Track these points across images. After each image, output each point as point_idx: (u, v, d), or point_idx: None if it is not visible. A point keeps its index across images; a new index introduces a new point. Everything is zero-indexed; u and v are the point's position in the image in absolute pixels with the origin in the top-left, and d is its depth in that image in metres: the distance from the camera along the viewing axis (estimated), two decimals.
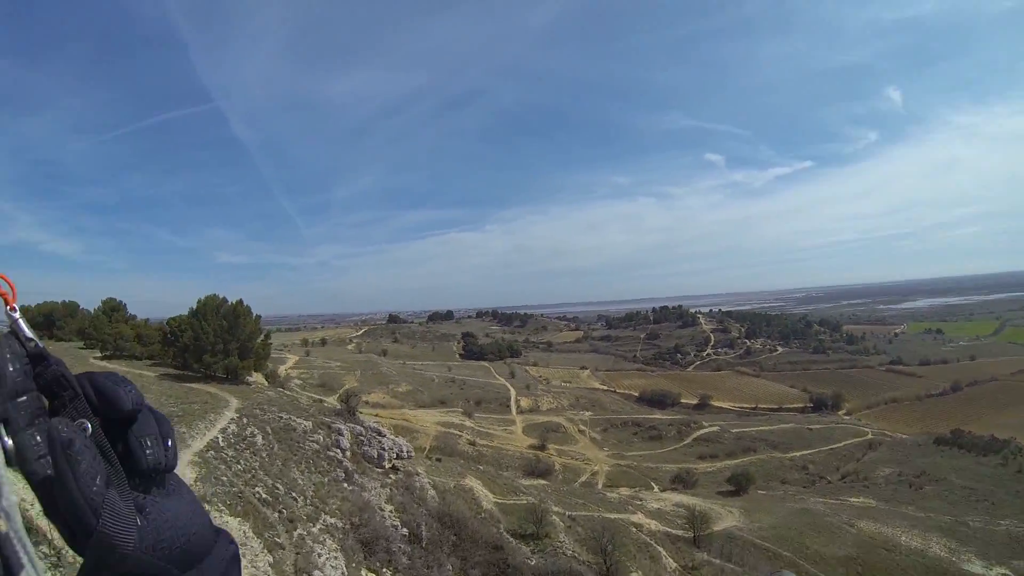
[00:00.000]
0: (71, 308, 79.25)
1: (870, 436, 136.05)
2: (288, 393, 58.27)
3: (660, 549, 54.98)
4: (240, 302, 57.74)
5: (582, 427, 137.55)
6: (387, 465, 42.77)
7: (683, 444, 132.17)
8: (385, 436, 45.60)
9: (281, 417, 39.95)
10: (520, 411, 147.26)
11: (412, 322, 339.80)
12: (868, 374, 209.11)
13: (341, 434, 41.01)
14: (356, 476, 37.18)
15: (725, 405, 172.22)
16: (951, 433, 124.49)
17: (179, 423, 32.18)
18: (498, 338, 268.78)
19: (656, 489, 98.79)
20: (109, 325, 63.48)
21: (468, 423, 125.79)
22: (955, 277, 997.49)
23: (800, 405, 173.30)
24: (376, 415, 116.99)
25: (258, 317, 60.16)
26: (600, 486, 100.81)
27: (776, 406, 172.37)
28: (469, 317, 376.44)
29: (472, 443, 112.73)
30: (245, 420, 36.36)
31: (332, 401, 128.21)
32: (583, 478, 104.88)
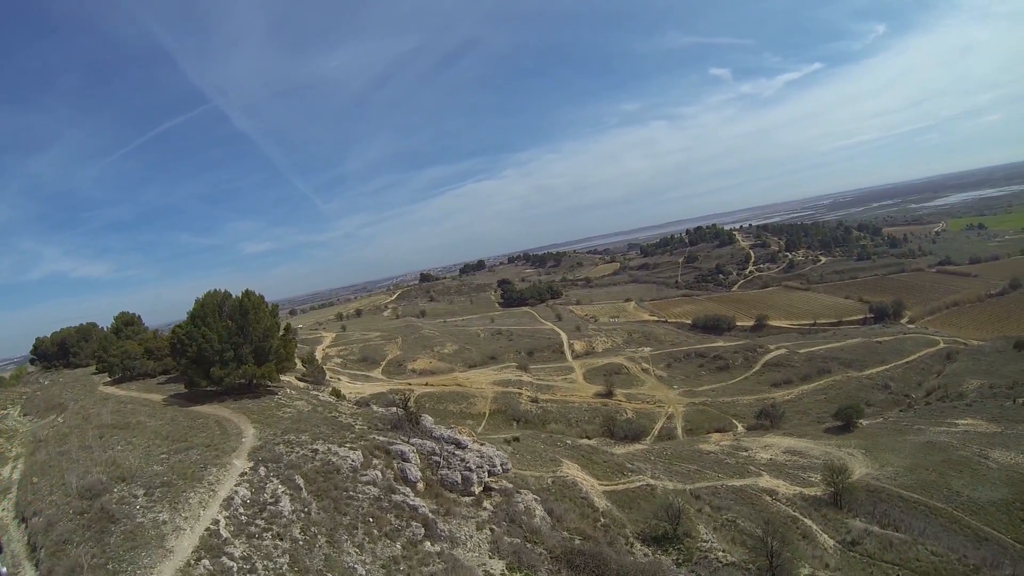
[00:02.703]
0: (85, 332, 71.94)
1: (942, 344, 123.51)
2: (324, 400, 45.16)
3: (809, 523, 45.27)
4: (248, 294, 44.45)
5: (645, 365, 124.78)
6: (477, 490, 29.78)
7: (753, 372, 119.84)
8: (467, 447, 32.41)
9: (316, 451, 27.11)
10: (576, 355, 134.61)
11: (445, 278, 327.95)
12: (919, 277, 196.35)
13: (406, 459, 28.30)
14: (440, 525, 24.20)
15: (783, 324, 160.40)
16: None
17: (163, 499, 20.06)
18: (535, 281, 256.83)
19: (740, 428, 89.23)
20: (117, 344, 57.08)
21: (525, 377, 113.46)
22: (985, 168, 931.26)
23: (860, 317, 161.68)
24: (427, 384, 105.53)
25: (274, 307, 47.15)
26: (679, 430, 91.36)
27: (836, 320, 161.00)
28: (501, 264, 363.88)
29: (534, 400, 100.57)
30: (264, 470, 23.74)
31: (378, 375, 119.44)
32: (659, 423, 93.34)
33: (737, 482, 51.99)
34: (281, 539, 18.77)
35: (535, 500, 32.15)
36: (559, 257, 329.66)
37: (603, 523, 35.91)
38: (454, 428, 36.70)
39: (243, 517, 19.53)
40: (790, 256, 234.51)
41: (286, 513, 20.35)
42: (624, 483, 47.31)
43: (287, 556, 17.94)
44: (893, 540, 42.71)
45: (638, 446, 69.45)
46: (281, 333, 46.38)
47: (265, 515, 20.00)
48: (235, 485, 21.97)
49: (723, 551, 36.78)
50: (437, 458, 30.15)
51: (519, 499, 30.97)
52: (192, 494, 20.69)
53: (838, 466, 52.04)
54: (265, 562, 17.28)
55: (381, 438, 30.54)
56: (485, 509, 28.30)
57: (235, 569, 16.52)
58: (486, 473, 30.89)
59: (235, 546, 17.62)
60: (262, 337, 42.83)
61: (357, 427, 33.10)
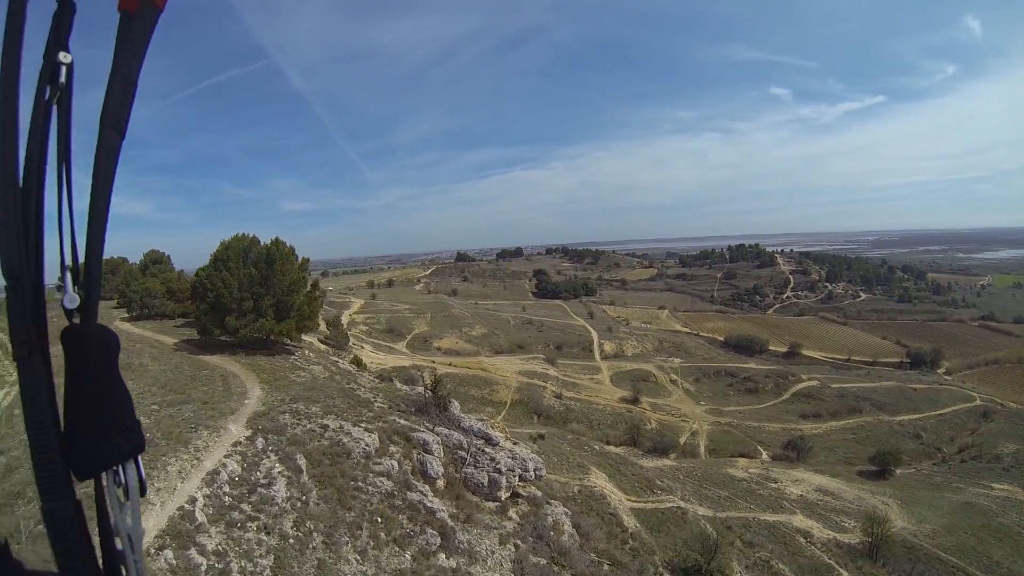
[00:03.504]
0: (113, 265, 68.18)
1: (978, 401, 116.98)
2: (343, 368, 41.31)
3: (845, 574, 41.07)
4: (277, 242, 40.70)
5: (673, 376, 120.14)
6: (504, 496, 25.75)
7: (782, 399, 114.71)
8: (498, 445, 28.34)
9: (326, 428, 23.18)
10: (604, 356, 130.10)
11: (481, 260, 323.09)
12: (960, 328, 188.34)
13: (428, 449, 24.31)
14: (459, 535, 20.26)
15: (816, 355, 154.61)
16: None
17: (147, 453, 15.57)
18: (571, 275, 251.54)
19: (765, 455, 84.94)
20: (140, 280, 54.32)
21: (551, 371, 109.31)
22: None
23: (896, 360, 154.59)
24: (450, 364, 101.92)
25: (305, 260, 43.33)
26: (703, 448, 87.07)
27: (871, 359, 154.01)
28: (539, 254, 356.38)
29: (558, 396, 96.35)
30: (262, 442, 20.09)
31: (402, 348, 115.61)
32: (683, 438, 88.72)
33: (770, 517, 48.05)
34: (268, 533, 14.99)
35: (565, 514, 28.00)
36: (597, 255, 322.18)
37: (632, 546, 31.80)
38: (486, 420, 32.46)
39: (227, 499, 15.81)
40: (830, 287, 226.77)
41: (279, 500, 16.59)
42: (653, 502, 43.39)
43: (271, 557, 14.14)
44: None
45: (666, 461, 65.28)
46: (308, 290, 42.66)
47: (254, 499, 16.26)
48: (225, 456, 18.29)
49: None
50: (464, 453, 26.20)
51: (548, 511, 26.88)
52: (173, 459, 17.04)
53: (879, 516, 47.94)
54: (243, 562, 13.52)
55: (402, 422, 26.61)
56: (511, 519, 24.34)
57: (203, 568, 12.77)
58: (516, 477, 26.88)
59: (210, 536, 13.90)
60: (286, 291, 39.19)
61: (376, 405, 29.21)
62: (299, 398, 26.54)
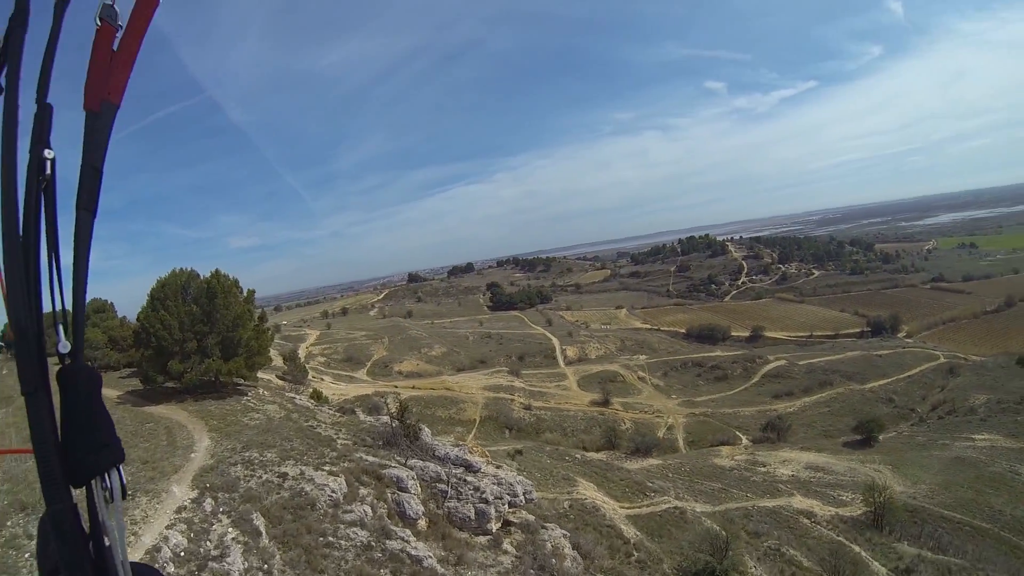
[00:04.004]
0: (52, 319, 61.86)
1: (942, 359, 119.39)
2: (301, 404, 38.37)
3: (857, 549, 40.12)
4: (218, 274, 37.63)
5: (641, 374, 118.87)
6: (495, 527, 23.36)
7: (752, 383, 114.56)
8: (479, 470, 26.01)
9: (285, 476, 20.66)
10: (568, 362, 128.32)
11: (433, 279, 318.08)
12: (913, 293, 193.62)
13: (403, 487, 22.07)
14: None
15: (779, 335, 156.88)
16: None
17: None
18: (524, 285, 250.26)
19: (745, 440, 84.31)
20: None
21: (517, 383, 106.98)
22: (971, 191, 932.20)
23: (857, 330, 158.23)
24: (414, 387, 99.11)
25: (251, 292, 40.34)
26: (681, 442, 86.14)
27: (832, 333, 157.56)
28: (490, 267, 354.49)
29: (528, 407, 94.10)
30: (211, 503, 17.56)
31: (362, 376, 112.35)
32: (660, 434, 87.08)
33: (769, 503, 46.80)
34: None
35: (564, 536, 25.63)
36: (548, 262, 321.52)
37: (637, 557, 29.55)
38: (463, 445, 30.28)
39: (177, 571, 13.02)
40: (783, 268, 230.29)
41: (236, 574, 13.83)
42: (648, 505, 41.40)
43: None
44: (952, 567, 38.28)
45: (652, 461, 63.57)
46: (255, 323, 39.55)
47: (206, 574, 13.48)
48: (167, 526, 15.51)
49: None
50: (444, 486, 23.86)
51: (546, 536, 24.52)
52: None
53: (878, 485, 47.51)
54: None
55: (370, 458, 24.11)
56: (506, 552, 21.94)
57: None
58: (505, 504, 24.55)
59: None
60: (231, 326, 36.07)
61: (339, 442, 26.53)
62: (252, 444, 23.75)
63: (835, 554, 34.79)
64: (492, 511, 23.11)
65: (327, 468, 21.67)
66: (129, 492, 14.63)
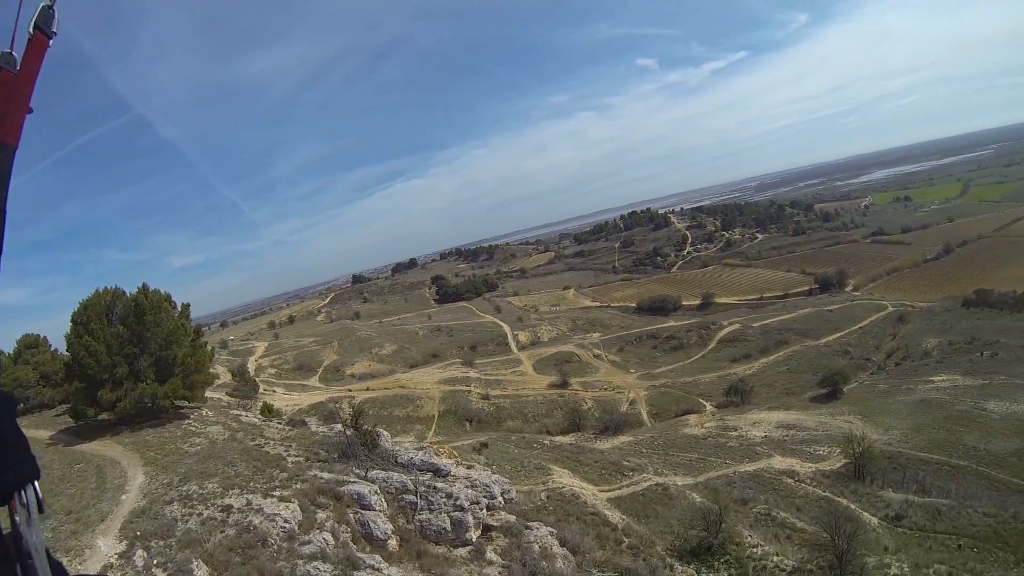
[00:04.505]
0: None
1: (891, 308, 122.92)
2: (248, 422, 34.62)
3: (845, 503, 39.78)
4: (145, 290, 33.92)
5: (596, 352, 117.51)
6: (474, 536, 20.92)
7: (709, 349, 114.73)
8: (449, 473, 23.62)
9: (229, 509, 17.84)
10: (521, 347, 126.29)
11: (378, 278, 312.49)
12: (855, 248, 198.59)
13: (367, 504, 19.53)
14: None
15: (730, 300, 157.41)
16: (975, 294, 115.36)
17: None
18: (469, 275, 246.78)
19: (709, 407, 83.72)
20: (9, 371, 47.18)
21: (472, 374, 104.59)
22: (903, 147, 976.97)
23: (805, 288, 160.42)
24: (368, 388, 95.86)
25: (185, 307, 36.63)
26: (645, 415, 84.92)
27: (782, 293, 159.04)
28: (434, 261, 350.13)
29: (485, 397, 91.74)
30: (143, 556, 15.21)
31: (315, 383, 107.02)
32: (623, 409, 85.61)
33: (749, 467, 45.93)
34: None
35: (550, 533, 23.07)
36: (492, 250, 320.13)
37: (629, 543, 27.36)
38: (428, 448, 27.21)
39: None
40: (727, 235, 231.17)
41: None
42: (628, 485, 39.63)
43: None
44: (940, 508, 38.54)
45: (623, 438, 61.99)
46: (191, 338, 35.75)
47: None
48: None
49: (777, 555, 28.70)
50: (412, 497, 21.29)
51: (532, 537, 22.00)
52: None
53: (856, 436, 47.68)
54: None
55: (326, 475, 21.30)
56: (491, 563, 19.57)
57: None
58: (483, 509, 22.08)
59: None
60: (164, 345, 32.36)
61: (290, 460, 23.58)
62: (192, 475, 20.66)
63: (832, 513, 33.02)
64: (469, 518, 20.72)
65: (277, 493, 18.88)
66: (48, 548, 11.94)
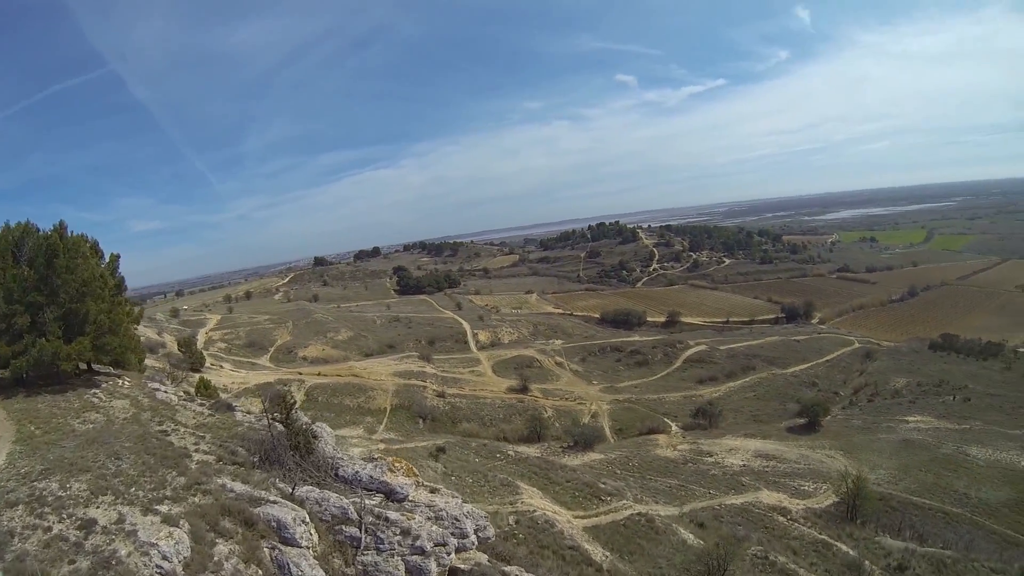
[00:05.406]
0: None
1: (857, 344, 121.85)
2: (163, 399, 27.73)
3: (844, 548, 36.25)
4: (62, 228, 27.98)
5: (558, 359, 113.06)
6: None
7: (674, 368, 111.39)
8: (406, 497, 18.07)
9: (92, 524, 12.20)
10: (481, 347, 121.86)
11: (339, 263, 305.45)
12: (821, 282, 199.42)
13: (288, 538, 13.67)
14: None
15: (696, 321, 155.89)
16: (942, 338, 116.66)
17: None
18: (432, 269, 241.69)
19: (675, 427, 79.84)
20: None
21: (428, 369, 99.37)
22: (869, 190, 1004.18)
23: (772, 316, 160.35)
24: (319, 373, 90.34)
25: (114, 257, 30.73)
26: (608, 430, 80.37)
27: (748, 319, 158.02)
28: (397, 252, 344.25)
29: (441, 395, 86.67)
30: None
31: (265, 362, 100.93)
32: (584, 420, 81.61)
33: (736, 499, 42.02)
34: None
35: None
36: (456, 247, 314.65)
37: None
38: (380, 460, 20.38)
39: None
40: (694, 256, 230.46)
41: None
42: (607, 512, 35.52)
43: None
44: (945, 560, 35.51)
45: (594, 455, 56.55)
46: (112, 293, 29.77)
47: None
48: None
49: None
50: (354, 530, 15.41)
51: None
52: None
53: (851, 473, 44.81)
54: None
55: (238, 486, 15.57)
56: None
57: None
58: (451, 552, 16.27)
59: None
60: (76, 296, 26.56)
61: (197, 458, 17.76)
62: (59, 466, 14.90)
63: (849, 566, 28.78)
64: (432, 566, 15.00)
65: (164, 508, 13.17)
66: None
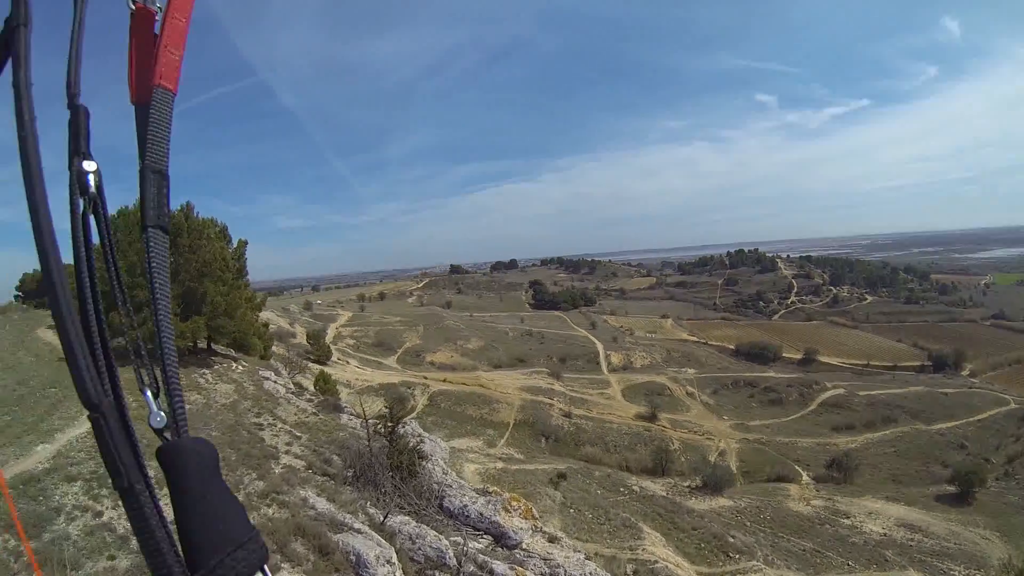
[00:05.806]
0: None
1: (1013, 405, 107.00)
2: (270, 389, 28.19)
3: None
4: (188, 209, 29.99)
5: (690, 389, 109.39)
6: None
7: (809, 410, 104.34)
8: (518, 544, 15.94)
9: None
10: (612, 369, 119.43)
11: (475, 272, 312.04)
12: (973, 328, 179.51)
13: (367, 574, 11.06)
14: None
15: (833, 361, 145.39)
16: None
17: None
18: (568, 286, 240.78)
19: (806, 477, 74.40)
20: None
21: (557, 387, 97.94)
22: None
23: (917, 363, 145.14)
24: (445, 379, 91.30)
25: (242, 243, 32.49)
26: (735, 471, 75.39)
27: (891, 364, 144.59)
28: (534, 265, 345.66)
29: (567, 414, 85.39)
30: None
31: (392, 363, 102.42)
32: (711, 458, 77.94)
33: None
34: None
35: None
36: (593, 265, 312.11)
37: None
38: (493, 495, 18.12)
39: None
40: (834, 291, 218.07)
41: None
42: (734, 573, 32.65)
43: None
44: None
45: (722, 501, 53.66)
46: (232, 276, 30.94)
47: None
48: None
49: None
50: None
51: None
52: None
53: (1019, 566, 37.62)
54: None
55: (321, 503, 13.84)
56: None
57: None
58: None
59: None
60: (195, 276, 27.94)
61: (283, 461, 16.82)
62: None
63: None
64: None
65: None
66: None
